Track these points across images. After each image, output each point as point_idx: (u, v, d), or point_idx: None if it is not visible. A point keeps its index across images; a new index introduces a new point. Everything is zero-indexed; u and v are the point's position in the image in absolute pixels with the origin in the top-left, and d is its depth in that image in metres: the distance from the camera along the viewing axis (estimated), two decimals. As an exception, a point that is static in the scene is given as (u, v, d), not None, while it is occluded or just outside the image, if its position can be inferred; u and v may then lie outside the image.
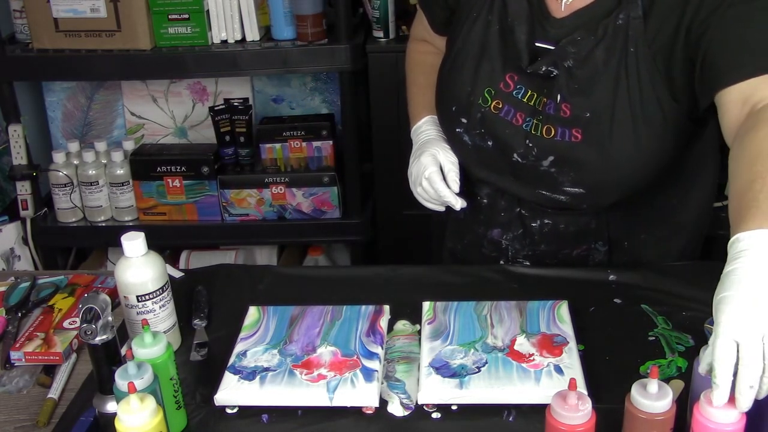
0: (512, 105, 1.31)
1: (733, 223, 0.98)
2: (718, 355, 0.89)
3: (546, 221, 1.41)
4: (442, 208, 1.44)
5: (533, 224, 1.42)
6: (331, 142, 2.37)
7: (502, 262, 1.50)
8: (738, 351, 0.88)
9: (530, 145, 1.31)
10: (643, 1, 1.20)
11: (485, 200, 1.45)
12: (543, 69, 1.26)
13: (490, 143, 1.35)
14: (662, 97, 1.22)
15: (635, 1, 1.20)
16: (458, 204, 1.37)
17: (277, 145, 2.38)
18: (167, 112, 2.53)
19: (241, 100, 2.42)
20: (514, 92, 1.31)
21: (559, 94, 1.26)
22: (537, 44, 1.28)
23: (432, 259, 1.71)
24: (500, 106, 1.32)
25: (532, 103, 1.30)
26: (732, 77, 1.11)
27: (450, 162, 1.39)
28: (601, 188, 1.30)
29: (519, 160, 1.33)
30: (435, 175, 1.38)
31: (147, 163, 2.39)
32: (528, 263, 1.48)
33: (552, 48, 1.26)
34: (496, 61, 1.31)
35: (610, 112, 1.23)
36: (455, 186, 1.38)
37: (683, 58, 1.19)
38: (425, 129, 1.46)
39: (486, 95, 1.33)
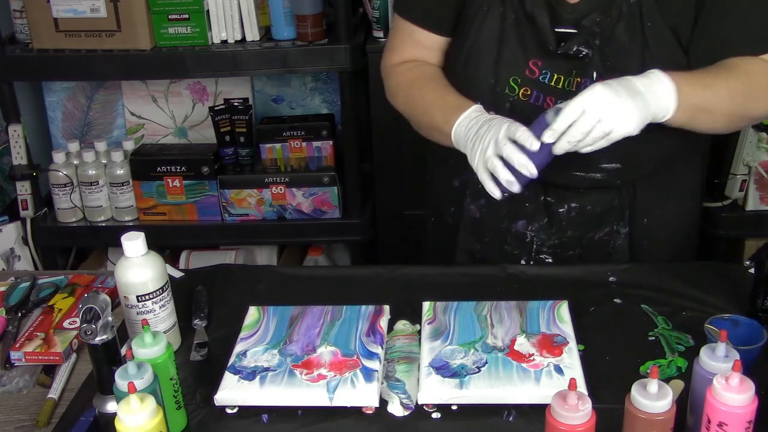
0: (541, 90, 1.33)
1: None
2: (567, 110, 1.17)
3: (573, 205, 1.42)
4: (506, 194, 1.27)
5: (560, 210, 1.43)
6: (331, 142, 2.37)
7: (523, 261, 1.49)
8: (580, 116, 1.16)
9: None
10: None
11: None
12: (574, 49, 1.30)
13: None
14: (680, 63, 1.30)
15: None
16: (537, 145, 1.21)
17: (277, 145, 2.37)
18: (167, 112, 2.53)
19: (241, 100, 2.42)
20: (540, 77, 1.33)
21: (595, 72, 1.30)
22: (557, 29, 1.31)
23: (429, 262, 1.66)
24: (529, 93, 1.34)
25: (560, 86, 1.33)
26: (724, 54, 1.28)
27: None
28: (636, 161, 1.35)
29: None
30: (519, 128, 1.21)
31: (147, 163, 2.38)
32: (550, 260, 1.48)
33: (574, 31, 1.30)
34: (517, 50, 1.33)
35: None
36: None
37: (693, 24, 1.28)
38: (480, 114, 1.31)
39: (512, 84, 1.34)
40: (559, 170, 1.31)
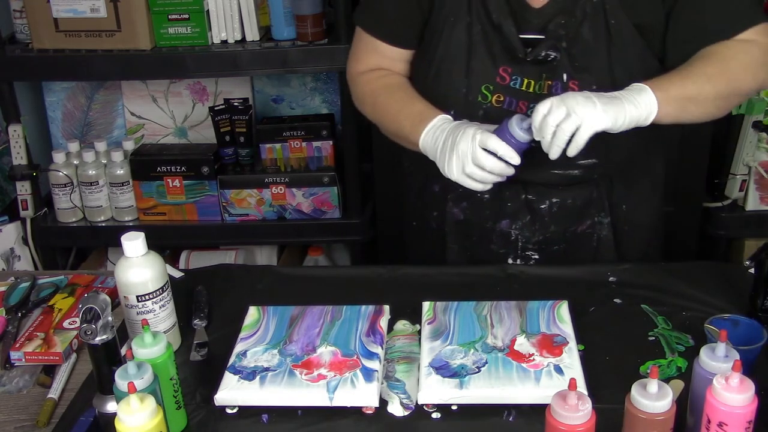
0: (513, 96, 1.36)
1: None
2: (539, 106, 1.22)
3: (554, 200, 1.45)
4: (489, 186, 1.32)
5: (542, 206, 1.45)
6: (331, 142, 2.37)
7: (510, 260, 1.50)
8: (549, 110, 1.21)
9: None
10: None
11: (486, 195, 1.45)
12: (543, 54, 1.33)
13: None
14: (647, 59, 1.35)
15: None
16: (516, 158, 1.28)
17: (277, 145, 2.37)
18: (167, 112, 2.53)
19: (241, 100, 2.42)
20: (511, 83, 1.36)
21: (565, 74, 1.33)
22: (524, 36, 1.34)
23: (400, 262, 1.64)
24: (501, 99, 1.37)
25: (531, 90, 1.35)
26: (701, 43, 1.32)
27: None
28: (612, 155, 1.40)
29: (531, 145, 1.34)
30: (490, 138, 1.26)
31: (147, 163, 2.38)
32: (536, 256, 1.49)
33: (541, 37, 1.33)
34: (486, 58, 1.36)
35: (610, 81, 1.32)
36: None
37: (664, 21, 1.33)
38: (444, 122, 1.35)
39: (484, 92, 1.37)
40: (539, 169, 1.37)
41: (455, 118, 1.36)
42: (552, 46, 1.32)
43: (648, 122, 1.26)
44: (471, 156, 1.26)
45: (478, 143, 1.26)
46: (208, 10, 2.21)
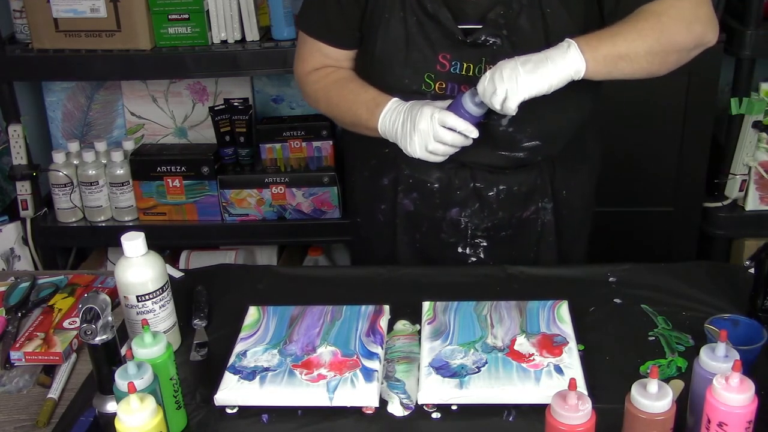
0: (455, 81, 1.40)
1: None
2: (482, 78, 1.29)
3: (501, 187, 1.49)
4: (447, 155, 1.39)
5: (489, 194, 1.49)
6: (331, 142, 2.37)
7: (460, 249, 1.54)
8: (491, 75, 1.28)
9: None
10: None
11: (436, 185, 1.49)
12: (482, 38, 1.37)
13: None
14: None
15: None
16: (474, 131, 1.34)
17: (277, 145, 2.38)
18: (167, 112, 2.53)
19: (241, 100, 2.42)
20: (451, 69, 1.40)
21: (506, 58, 1.33)
22: (462, 26, 1.37)
23: (367, 262, 1.65)
24: (444, 86, 1.41)
25: (471, 74, 1.39)
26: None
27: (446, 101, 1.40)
28: (553, 136, 1.45)
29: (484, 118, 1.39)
30: (448, 116, 1.33)
31: (147, 163, 2.38)
32: (485, 243, 1.53)
33: (479, 27, 1.38)
34: (425, 47, 1.40)
35: None
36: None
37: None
38: (398, 104, 1.40)
39: (427, 80, 1.41)
40: (486, 152, 1.42)
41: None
42: (492, 33, 1.37)
43: (579, 78, 1.29)
44: (432, 134, 1.33)
45: (437, 122, 1.32)
46: (208, 10, 2.21)
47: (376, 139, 1.43)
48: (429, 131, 1.33)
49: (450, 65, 1.40)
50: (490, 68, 1.33)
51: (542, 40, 1.36)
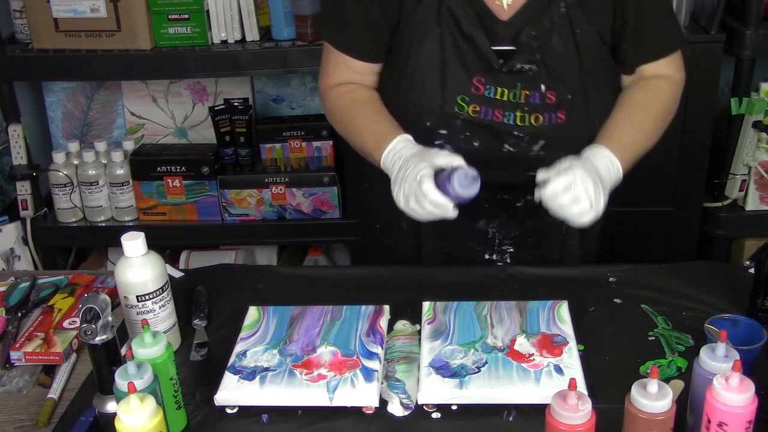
0: (488, 105, 1.38)
1: (599, 135, 1.39)
2: (554, 184, 1.27)
3: (529, 197, 1.45)
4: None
5: (517, 204, 1.48)
6: (331, 142, 2.37)
7: (487, 256, 1.52)
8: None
9: (520, 135, 1.39)
10: None
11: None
12: (518, 66, 1.36)
13: (476, 144, 1.39)
14: (611, 65, 1.43)
15: None
16: (452, 212, 1.28)
17: (277, 145, 2.38)
18: (167, 112, 2.53)
19: (241, 100, 2.42)
20: (485, 93, 1.38)
21: (543, 84, 1.36)
22: (495, 48, 1.36)
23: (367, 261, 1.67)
24: (478, 109, 1.38)
25: (506, 99, 1.37)
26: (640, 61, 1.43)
27: (453, 157, 1.34)
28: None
29: (510, 149, 1.40)
30: (430, 188, 1.27)
31: (147, 163, 2.39)
32: (512, 249, 1.51)
33: (513, 48, 1.36)
34: (460, 69, 1.37)
35: (582, 89, 1.38)
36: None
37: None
38: (404, 145, 1.37)
39: (460, 102, 1.38)
40: (518, 173, 1.41)
41: (434, 129, 1.38)
42: (527, 59, 1.35)
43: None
44: (414, 196, 1.28)
45: (420, 186, 1.26)
46: (208, 10, 2.21)
47: None
48: (411, 192, 1.28)
49: (484, 89, 1.37)
50: (527, 94, 1.36)
51: (575, 62, 1.37)
